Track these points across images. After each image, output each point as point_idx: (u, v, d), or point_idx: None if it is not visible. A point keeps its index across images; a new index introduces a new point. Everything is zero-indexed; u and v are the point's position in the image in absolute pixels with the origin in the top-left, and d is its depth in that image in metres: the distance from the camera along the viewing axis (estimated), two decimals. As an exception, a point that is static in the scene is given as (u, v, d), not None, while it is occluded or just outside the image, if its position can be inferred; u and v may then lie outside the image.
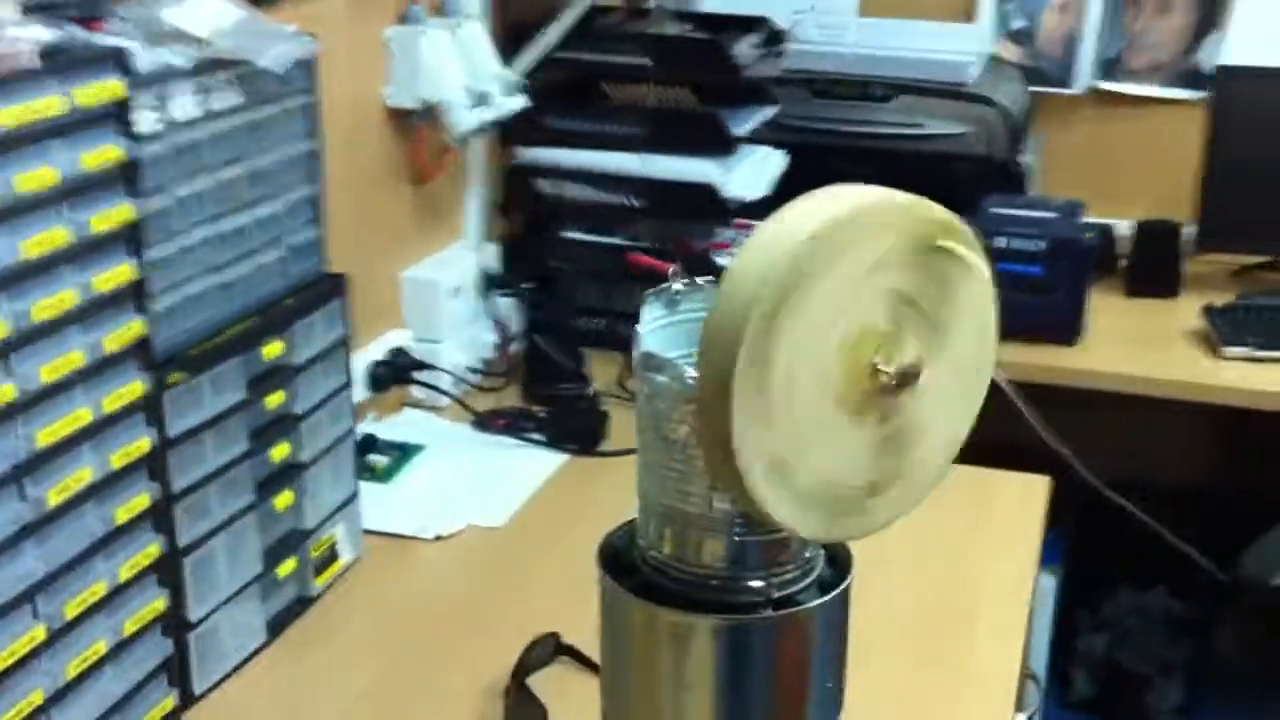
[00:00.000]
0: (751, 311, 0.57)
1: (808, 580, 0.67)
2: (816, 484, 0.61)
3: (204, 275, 1.35)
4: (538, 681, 1.39)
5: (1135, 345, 2.40)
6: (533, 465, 1.88)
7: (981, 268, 0.65)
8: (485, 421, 1.99)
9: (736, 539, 0.64)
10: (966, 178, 2.50)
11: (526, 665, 1.39)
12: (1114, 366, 2.32)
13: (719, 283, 0.60)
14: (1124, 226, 2.65)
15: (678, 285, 0.69)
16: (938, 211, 0.62)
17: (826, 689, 0.66)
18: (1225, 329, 2.36)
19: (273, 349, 1.43)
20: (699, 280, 0.68)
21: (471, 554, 1.68)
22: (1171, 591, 2.75)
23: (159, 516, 1.28)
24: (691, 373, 0.61)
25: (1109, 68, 2.81)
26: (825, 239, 0.59)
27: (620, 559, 0.67)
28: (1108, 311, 2.48)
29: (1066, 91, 2.82)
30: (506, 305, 2.20)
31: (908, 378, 0.62)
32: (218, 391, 1.35)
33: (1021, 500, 1.81)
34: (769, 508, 0.60)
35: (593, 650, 1.40)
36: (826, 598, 0.65)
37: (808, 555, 0.66)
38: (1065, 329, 2.36)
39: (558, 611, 1.49)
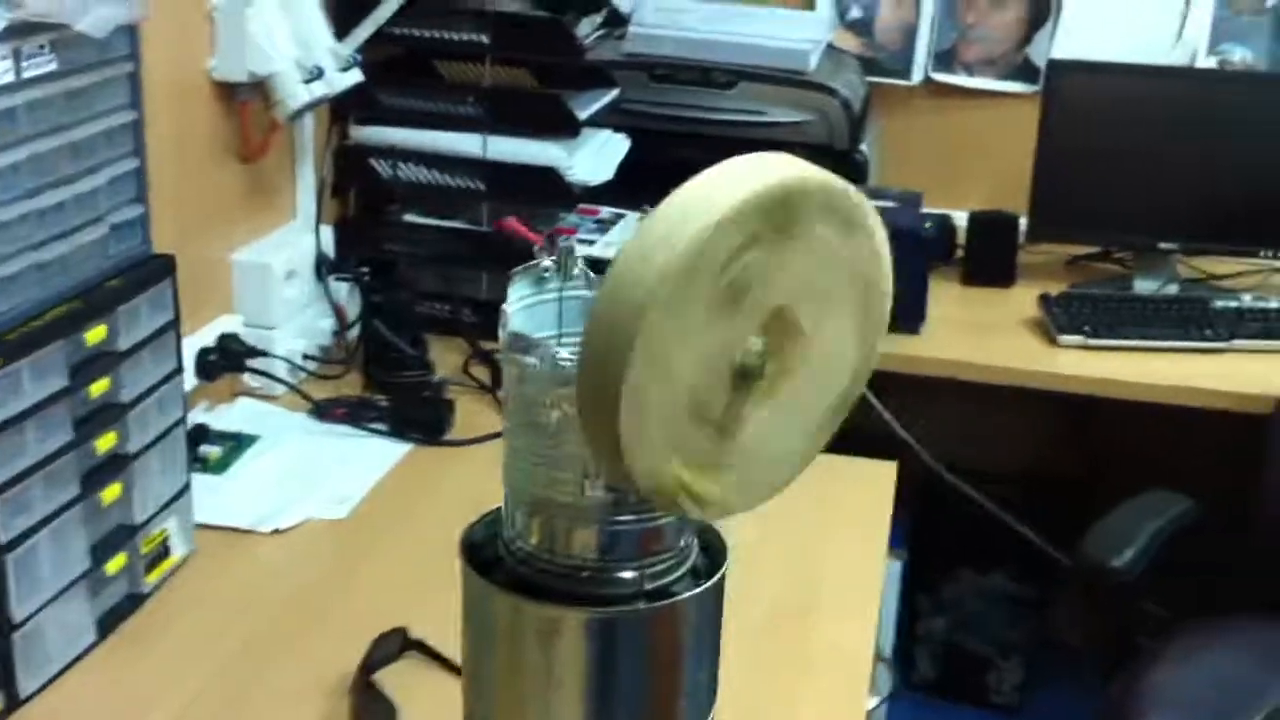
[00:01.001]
0: (648, 305, 0.54)
1: (681, 570, 0.63)
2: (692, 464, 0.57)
3: (20, 254, 1.27)
4: (385, 678, 1.34)
5: (974, 333, 2.42)
6: (375, 455, 1.82)
7: (876, 234, 0.62)
8: (324, 410, 1.92)
9: (609, 528, 0.59)
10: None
11: (373, 661, 1.34)
12: (954, 354, 2.34)
13: (604, 269, 0.56)
14: (961, 217, 2.68)
15: (546, 263, 0.64)
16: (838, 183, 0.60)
17: (700, 680, 0.63)
18: (1060, 317, 2.40)
19: (96, 334, 1.34)
20: (571, 260, 0.64)
21: (311, 548, 1.62)
22: (1010, 574, 2.80)
23: (-26, 512, 1.20)
24: (564, 355, 0.57)
25: (944, 60, 2.84)
26: (726, 227, 0.56)
27: (483, 551, 0.63)
28: (946, 300, 2.50)
29: (903, 83, 2.85)
30: (343, 290, 2.12)
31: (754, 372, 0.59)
32: (38, 378, 1.26)
33: (870, 486, 1.81)
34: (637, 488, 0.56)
35: (442, 644, 1.37)
36: (701, 588, 0.62)
37: (681, 544, 0.63)
38: (906, 318, 2.37)
39: (404, 605, 1.45)
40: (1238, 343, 2.36)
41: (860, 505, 1.76)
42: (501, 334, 0.61)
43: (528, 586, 0.60)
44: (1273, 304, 2.46)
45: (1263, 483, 2.14)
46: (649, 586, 0.61)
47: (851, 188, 0.61)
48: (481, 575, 0.61)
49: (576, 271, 0.63)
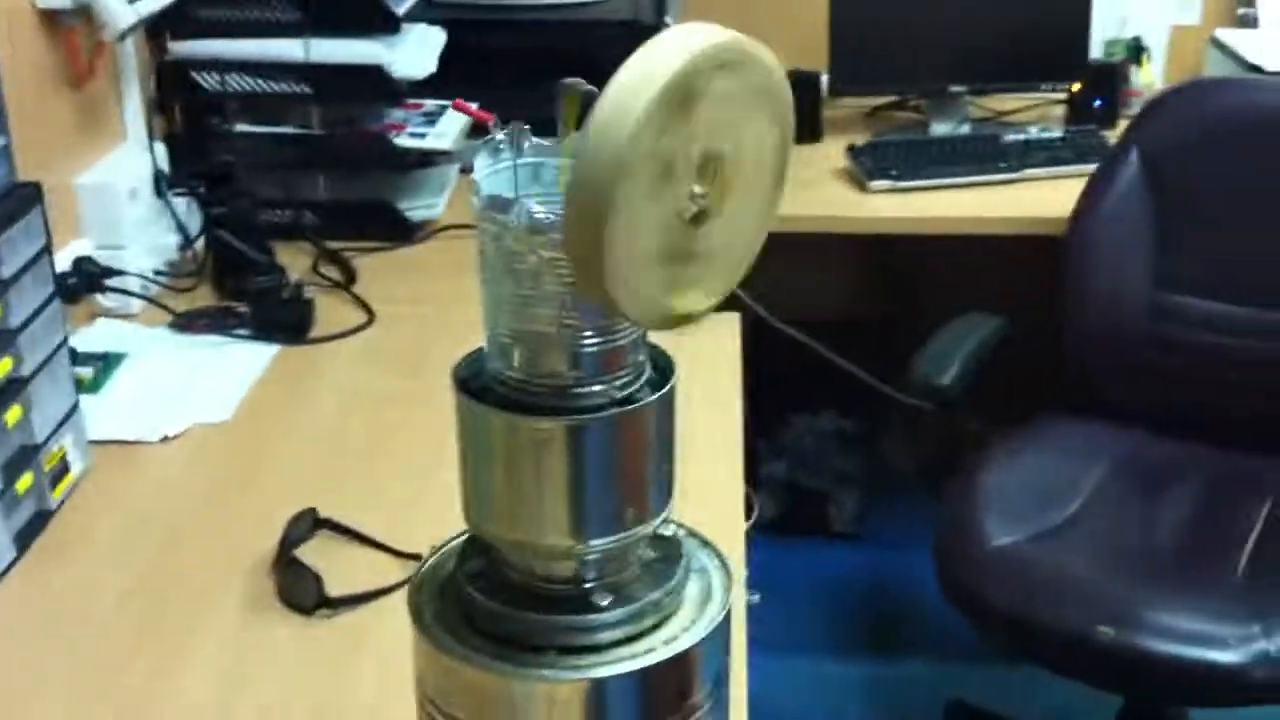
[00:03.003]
0: (622, 164, 0.64)
1: (639, 383, 0.75)
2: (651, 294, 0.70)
3: (-103, 190, 1.30)
4: (303, 554, 1.42)
5: (791, 187, 2.54)
6: (244, 360, 1.87)
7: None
8: (186, 323, 1.96)
9: (579, 350, 0.71)
10: (619, 43, 2.58)
11: (290, 540, 1.42)
12: (774, 208, 2.47)
13: (576, 131, 0.66)
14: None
15: (499, 135, 0.74)
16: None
17: (663, 470, 0.76)
18: (868, 164, 2.56)
19: (-21, 263, 1.38)
20: (522, 134, 0.74)
21: (203, 450, 1.68)
22: (840, 412, 2.99)
23: (-106, 442, 1.24)
24: (537, 209, 0.68)
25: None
26: (694, 72, 0.66)
27: (470, 384, 0.74)
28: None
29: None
30: (183, 205, 2.16)
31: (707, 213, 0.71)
32: (-68, 309, 1.31)
33: (717, 336, 1.94)
34: (629, 315, 0.68)
35: (347, 519, 1.47)
36: (657, 395, 0.74)
37: (639, 359, 0.75)
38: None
39: (304, 491, 1.52)
40: (1029, 171, 2.56)
41: (714, 353, 1.89)
42: (474, 200, 0.71)
43: (517, 406, 0.72)
44: (1055, 133, 2.67)
45: (1063, 297, 2.34)
46: (616, 396, 0.73)
47: (773, 57, 0.72)
48: (476, 399, 0.72)
49: (526, 145, 0.73)
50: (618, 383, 0.73)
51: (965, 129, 2.77)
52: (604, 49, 2.52)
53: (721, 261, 0.74)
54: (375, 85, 2.20)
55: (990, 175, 2.55)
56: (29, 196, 1.49)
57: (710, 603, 0.80)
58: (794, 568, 3.02)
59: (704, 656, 0.78)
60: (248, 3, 2.20)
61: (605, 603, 0.76)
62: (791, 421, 3.01)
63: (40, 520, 1.50)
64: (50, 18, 1.88)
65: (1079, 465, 2.22)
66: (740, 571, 1.44)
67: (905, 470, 3.05)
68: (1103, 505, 2.15)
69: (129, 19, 1.91)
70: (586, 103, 0.70)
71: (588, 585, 0.76)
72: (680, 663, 0.77)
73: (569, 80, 0.74)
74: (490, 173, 0.72)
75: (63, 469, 1.55)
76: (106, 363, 1.85)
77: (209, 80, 2.21)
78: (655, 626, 0.78)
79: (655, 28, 2.60)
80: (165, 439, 1.68)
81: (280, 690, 1.26)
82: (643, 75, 0.65)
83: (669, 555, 0.80)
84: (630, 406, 0.73)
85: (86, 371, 1.81)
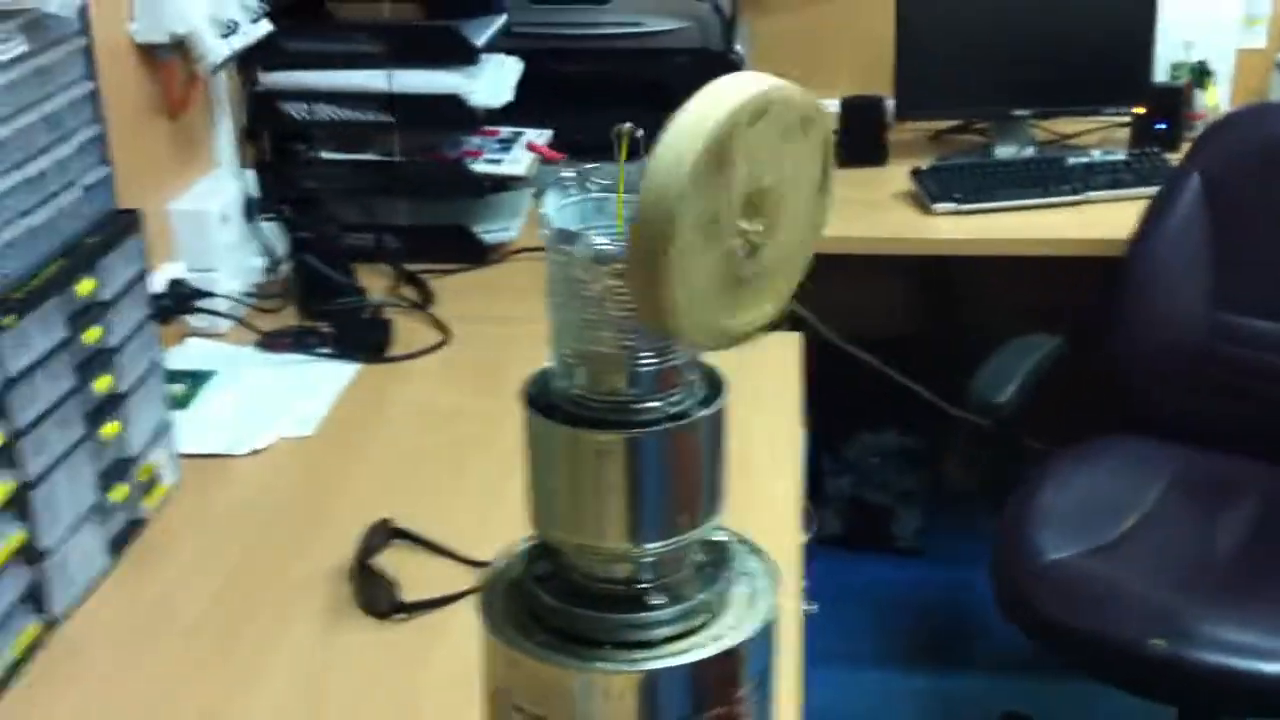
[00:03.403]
0: (678, 196, 0.72)
1: (693, 400, 0.83)
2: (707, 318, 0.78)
3: (15, 221, 1.40)
4: (378, 563, 1.50)
5: (857, 210, 2.62)
6: (327, 377, 1.96)
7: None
8: (270, 342, 2.06)
9: (638, 369, 0.79)
10: (688, 70, 2.67)
11: (366, 549, 1.50)
12: (841, 231, 2.52)
13: (642, 166, 0.74)
14: (832, 104, 2.87)
15: (568, 174, 0.82)
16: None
17: (714, 480, 0.84)
18: (932, 188, 2.61)
19: (85, 286, 1.48)
20: (588, 176, 0.82)
21: (286, 463, 1.77)
22: (901, 430, 3.03)
23: (8, 453, 1.34)
24: (601, 242, 0.76)
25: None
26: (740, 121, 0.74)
27: (537, 401, 0.82)
28: (825, 182, 2.68)
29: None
30: (270, 229, 2.26)
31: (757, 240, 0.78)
32: (43, 332, 1.40)
33: (778, 356, 2.00)
34: (690, 341, 0.77)
35: (422, 529, 1.55)
36: (708, 410, 0.82)
37: (691, 379, 0.82)
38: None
39: (381, 502, 1.60)
40: (1091, 194, 2.60)
41: (775, 372, 1.95)
42: (544, 233, 0.79)
43: (580, 420, 0.80)
44: (1118, 156, 2.71)
45: (1120, 317, 2.38)
46: (671, 412, 0.81)
47: (800, 90, 0.80)
48: (545, 416, 0.80)
49: (591, 182, 0.81)
50: (673, 399, 0.81)
51: (1029, 152, 2.81)
52: (675, 76, 2.65)
53: (775, 279, 0.81)
54: (454, 114, 2.29)
55: (1053, 198, 2.59)
56: (128, 224, 1.59)
57: (756, 604, 0.87)
58: (857, 582, 3.07)
59: (750, 654, 0.85)
60: (334, 36, 2.31)
61: (658, 602, 0.83)
62: (855, 438, 3.07)
63: (133, 529, 1.60)
64: (148, 52, 1.99)
65: (1135, 482, 2.26)
66: (793, 581, 1.50)
67: (966, 487, 3.09)
68: (1157, 521, 2.19)
69: (223, 53, 2.01)
70: (634, 145, 0.79)
71: (643, 586, 0.83)
72: (727, 659, 0.83)
73: (622, 126, 0.81)
74: (562, 208, 0.80)
75: (154, 481, 1.65)
76: (196, 380, 1.95)
77: (296, 110, 2.31)
78: (704, 625, 0.84)
79: (724, 55, 2.69)
80: (253, 452, 1.78)
81: (357, 692, 1.34)
82: (688, 135, 0.73)
83: (719, 559, 0.87)
84: (683, 421, 0.80)
85: (177, 388, 1.91)
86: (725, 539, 0.89)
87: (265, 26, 2.11)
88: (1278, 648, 1.88)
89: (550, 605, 0.83)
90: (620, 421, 0.79)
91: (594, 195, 0.80)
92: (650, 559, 0.83)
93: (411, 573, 1.49)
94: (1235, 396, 2.32)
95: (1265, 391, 2.31)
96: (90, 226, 1.53)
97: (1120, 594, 2.01)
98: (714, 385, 0.84)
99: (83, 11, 1.50)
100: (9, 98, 1.38)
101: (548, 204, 0.79)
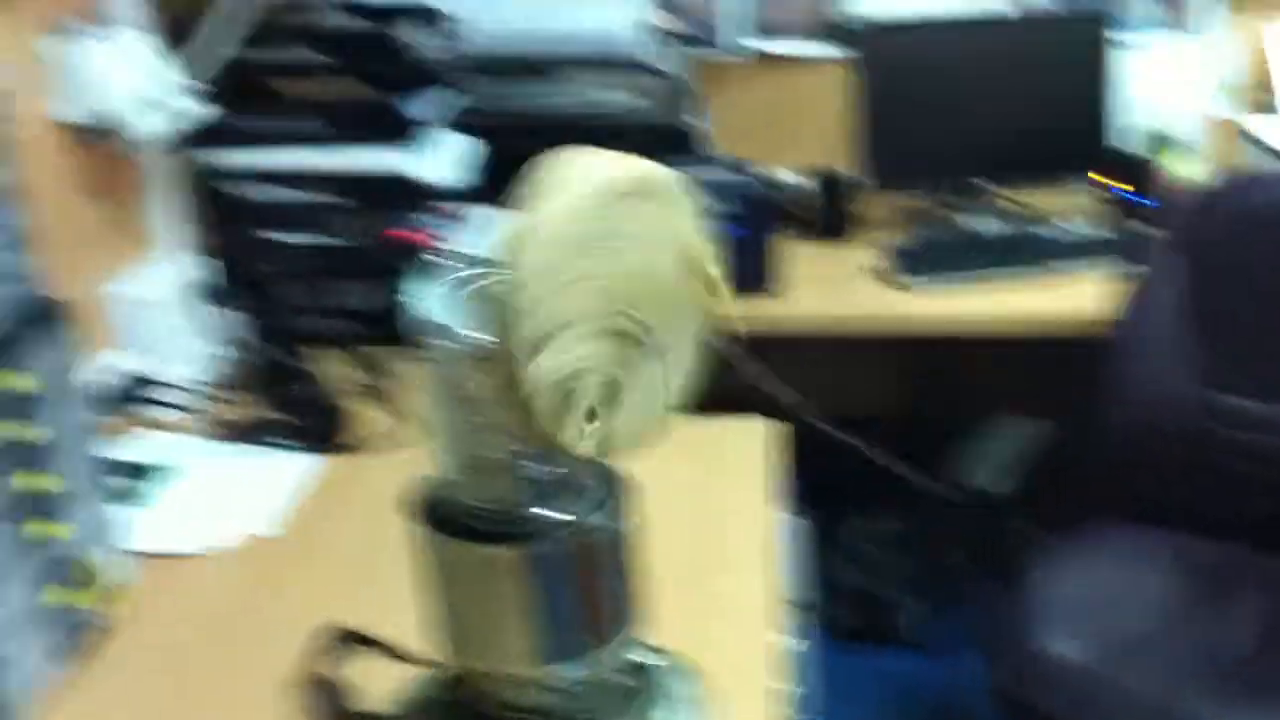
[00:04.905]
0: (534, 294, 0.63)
1: (591, 504, 0.73)
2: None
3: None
4: (331, 670, 1.38)
5: (827, 288, 2.53)
6: (290, 470, 1.86)
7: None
8: (225, 433, 1.95)
9: (531, 476, 0.69)
10: (646, 146, 2.57)
11: (319, 656, 1.38)
12: (811, 310, 2.43)
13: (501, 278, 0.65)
14: (796, 179, 2.79)
15: (438, 260, 0.72)
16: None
17: (618, 590, 0.76)
18: (905, 264, 2.52)
19: (4, 379, 1.37)
20: (456, 256, 0.72)
21: (250, 560, 1.67)
22: (898, 515, 2.91)
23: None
24: (476, 335, 0.66)
25: (758, 26, 2.93)
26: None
27: (425, 510, 0.71)
28: (794, 260, 2.60)
29: (721, 54, 2.93)
30: (219, 314, 2.15)
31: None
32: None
33: (747, 441, 1.90)
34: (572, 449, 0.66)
35: (378, 628, 1.42)
36: (604, 513, 0.72)
37: (589, 484, 0.72)
38: (759, 280, 2.47)
39: (343, 603, 1.50)
40: (1067, 270, 2.51)
41: (742, 460, 1.85)
42: (413, 326, 0.69)
43: (469, 532, 0.69)
44: (1099, 231, 2.62)
45: (1109, 400, 2.27)
46: (567, 520, 0.70)
47: (659, 169, 0.71)
48: (432, 528, 0.70)
49: (462, 266, 0.71)
50: (569, 506, 0.70)
51: (996, 224, 2.73)
52: (638, 150, 2.56)
53: (643, 409, 0.71)
54: (399, 193, 2.20)
55: (1027, 271, 2.50)
56: (53, 311, 1.48)
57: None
58: (866, 677, 2.95)
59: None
60: (276, 113, 2.21)
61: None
62: (850, 524, 2.94)
63: (78, 634, 1.48)
64: (72, 131, 1.89)
65: (1137, 574, 2.15)
66: (761, 688, 1.38)
67: (963, 574, 2.98)
68: (1164, 617, 2.07)
69: (147, 131, 1.91)
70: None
71: (551, 715, 0.72)
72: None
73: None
74: (435, 297, 0.69)
75: (101, 582, 1.53)
76: (152, 474, 1.84)
77: (238, 189, 2.21)
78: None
79: (681, 131, 2.61)
80: (210, 551, 1.68)
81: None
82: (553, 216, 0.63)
83: (640, 684, 0.76)
84: (580, 531, 0.70)
85: (132, 484, 1.80)
86: (646, 661, 0.77)
87: (196, 105, 2.00)
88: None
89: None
90: (511, 533, 0.68)
91: (464, 277, 0.70)
92: (560, 685, 0.72)
93: (374, 677, 1.37)
94: (1233, 481, 2.21)
95: (1265, 474, 2.19)
96: (7, 316, 1.42)
97: (1133, 699, 1.88)
98: (613, 487, 0.74)
99: (7, 98, 1.40)
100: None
101: (413, 292, 0.69)
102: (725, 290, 0.77)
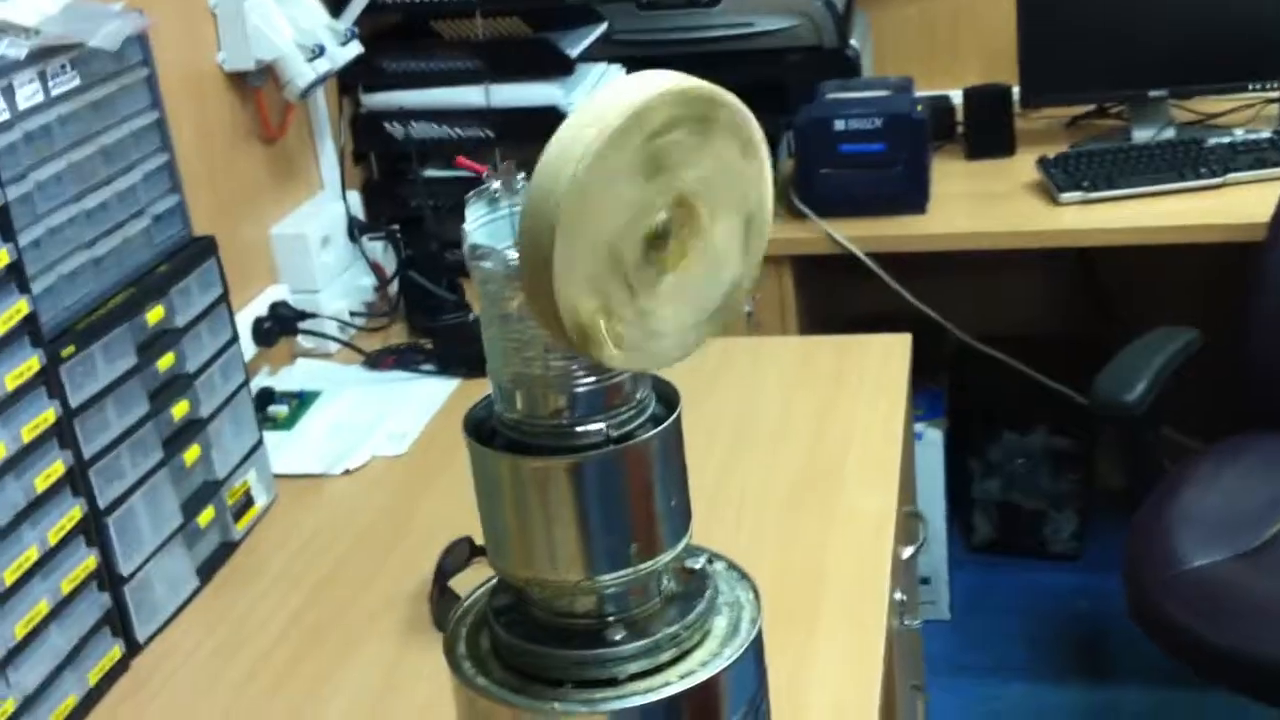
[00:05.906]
0: (558, 202, 0.67)
1: (643, 419, 0.77)
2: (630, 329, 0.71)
3: (75, 253, 1.41)
4: (459, 583, 1.48)
5: (978, 204, 2.51)
6: (426, 394, 1.96)
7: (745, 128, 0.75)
8: (375, 360, 2.07)
9: (575, 390, 0.74)
10: (801, 68, 2.60)
11: (445, 569, 1.48)
12: (961, 227, 2.43)
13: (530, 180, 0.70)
14: (956, 96, 2.77)
15: (495, 185, 0.77)
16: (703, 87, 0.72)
17: (671, 506, 0.77)
18: (1059, 176, 2.48)
19: (154, 314, 1.49)
20: (514, 181, 0.78)
21: (379, 482, 1.77)
22: (1050, 430, 2.90)
23: (75, 482, 1.36)
24: (514, 255, 0.71)
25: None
26: (657, 103, 0.68)
27: (482, 427, 0.77)
28: (950, 177, 2.59)
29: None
30: (378, 248, 2.27)
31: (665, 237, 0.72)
32: (110, 360, 1.42)
33: (883, 358, 1.92)
34: (598, 357, 0.70)
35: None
36: (658, 429, 0.76)
37: (639, 397, 0.77)
38: (911, 199, 2.47)
39: (467, 520, 1.57)
40: (1232, 176, 2.44)
41: (875, 376, 1.88)
42: (464, 248, 0.75)
43: (520, 447, 0.75)
44: (1264, 134, 2.54)
45: (1258, 308, 2.22)
46: (615, 434, 0.75)
47: (751, 117, 0.74)
48: (483, 444, 0.75)
49: (519, 188, 0.76)
50: (617, 420, 0.75)
51: (1169, 134, 2.66)
52: (789, 76, 2.58)
53: (654, 328, 0.74)
54: (553, 126, 2.24)
55: (1189, 182, 2.44)
56: (203, 250, 1.60)
57: (737, 636, 0.81)
58: (1008, 590, 2.95)
59: (731, 685, 0.79)
60: (431, 55, 2.31)
61: (619, 637, 0.78)
62: (1001, 440, 2.94)
63: (225, 551, 1.62)
64: (238, 80, 2.01)
65: (1275, 484, 2.11)
66: (881, 598, 1.43)
67: (1118, 488, 2.94)
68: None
69: (309, 77, 2.02)
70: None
71: (601, 620, 0.78)
72: (701, 693, 0.78)
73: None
74: (484, 221, 0.75)
75: (247, 503, 1.66)
76: (301, 401, 1.96)
77: (397, 129, 2.32)
78: (675, 660, 0.79)
79: (837, 52, 2.62)
80: (346, 472, 1.78)
81: (423, 711, 1.32)
82: (635, 87, 0.68)
83: (694, 589, 0.82)
84: (629, 442, 0.75)
85: (283, 409, 1.94)
86: (704, 566, 0.83)
87: (354, 49, 2.11)
88: None
89: (507, 642, 0.79)
90: (560, 447, 0.74)
91: (516, 207, 0.75)
92: (611, 590, 0.78)
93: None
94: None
95: None
96: (160, 255, 1.55)
97: (1260, 604, 1.87)
98: (668, 400, 0.78)
99: (143, 44, 1.51)
100: (61, 131, 1.40)
101: (469, 218, 0.75)
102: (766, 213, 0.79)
